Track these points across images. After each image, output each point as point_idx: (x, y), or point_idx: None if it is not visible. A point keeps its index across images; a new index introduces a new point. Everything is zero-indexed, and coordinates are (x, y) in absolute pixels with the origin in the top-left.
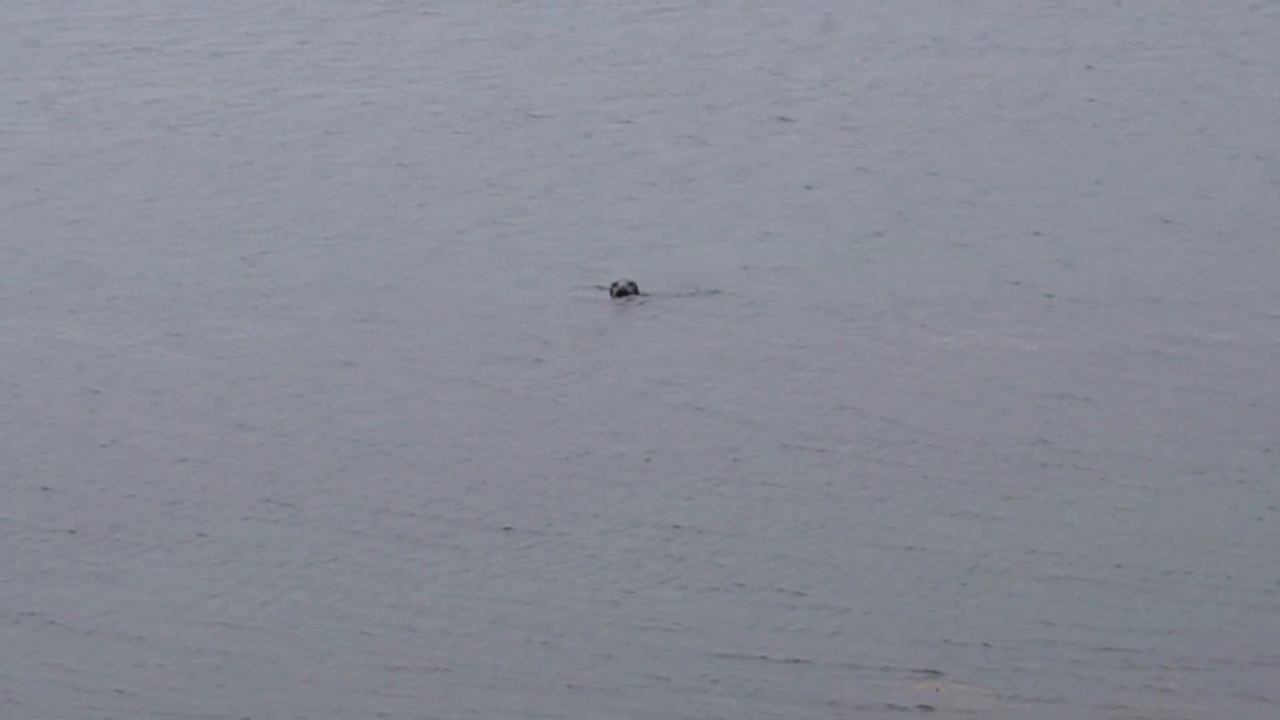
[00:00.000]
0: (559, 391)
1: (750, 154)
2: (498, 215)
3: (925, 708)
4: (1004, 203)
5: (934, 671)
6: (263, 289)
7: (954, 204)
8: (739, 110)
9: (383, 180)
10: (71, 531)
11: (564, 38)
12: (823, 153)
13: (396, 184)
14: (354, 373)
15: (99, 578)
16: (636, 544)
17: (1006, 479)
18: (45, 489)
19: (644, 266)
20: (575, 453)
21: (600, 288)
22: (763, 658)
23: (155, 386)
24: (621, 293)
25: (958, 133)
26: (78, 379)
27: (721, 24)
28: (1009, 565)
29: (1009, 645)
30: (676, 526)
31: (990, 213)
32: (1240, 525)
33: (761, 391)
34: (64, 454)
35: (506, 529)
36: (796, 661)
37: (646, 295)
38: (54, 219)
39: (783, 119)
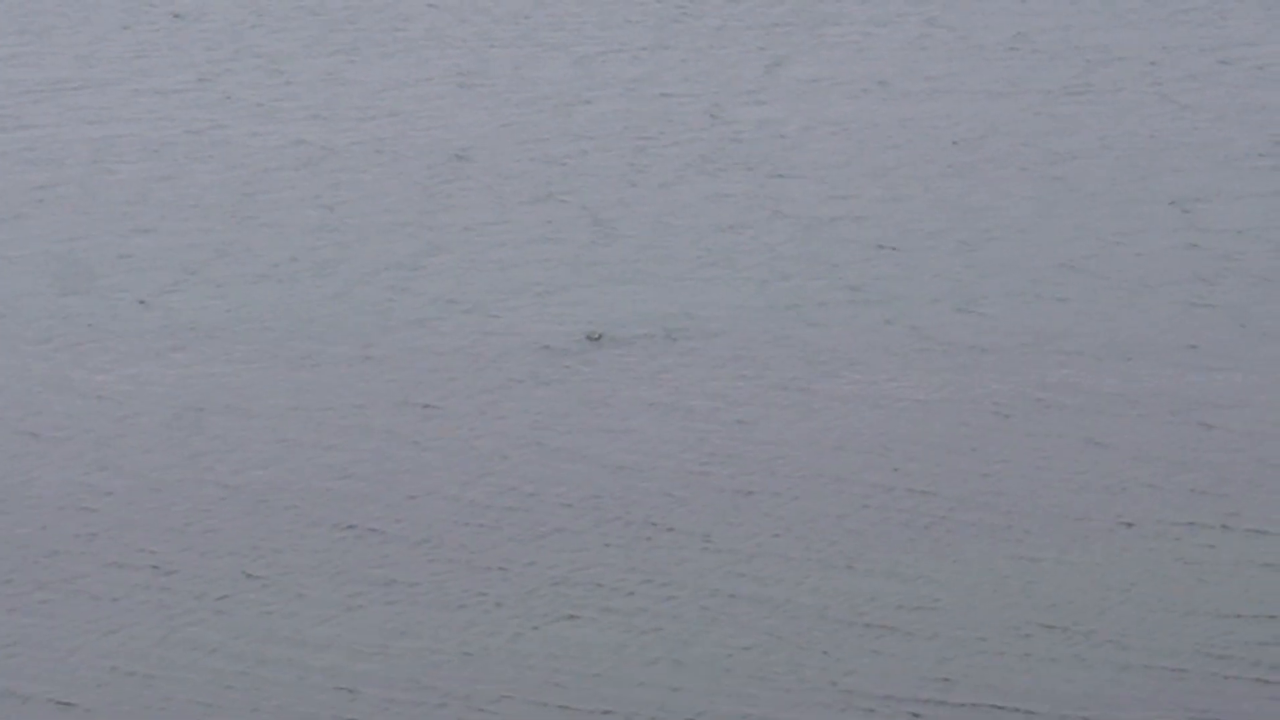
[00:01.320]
0: (458, 440)
1: (674, 197)
2: (412, 258)
3: None
4: (918, 246)
5: None
6: (159, 330)
7: (867, 249)
8: (672, 152)
9: (305, 221)
10: None
11: (514, 79)
12: (747, 196)
13: (318, 225)
14: (244, 418)
15: None
16: (525, 595)
17: (907, 531)
18: None
19: (550, 312)
20: (468, 504)
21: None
22: (660, 713)
23: (31, 429)
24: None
25: (884, 176)
26: None
27: (674, 66)
28: (908, 619)
29: (905, 700)
30: (565, 580)
31: (903, 257)
32: (1149, 581)
33: (653, 439)
34: None
35: (391, 581)
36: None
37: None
38: None
39: (713, 162)
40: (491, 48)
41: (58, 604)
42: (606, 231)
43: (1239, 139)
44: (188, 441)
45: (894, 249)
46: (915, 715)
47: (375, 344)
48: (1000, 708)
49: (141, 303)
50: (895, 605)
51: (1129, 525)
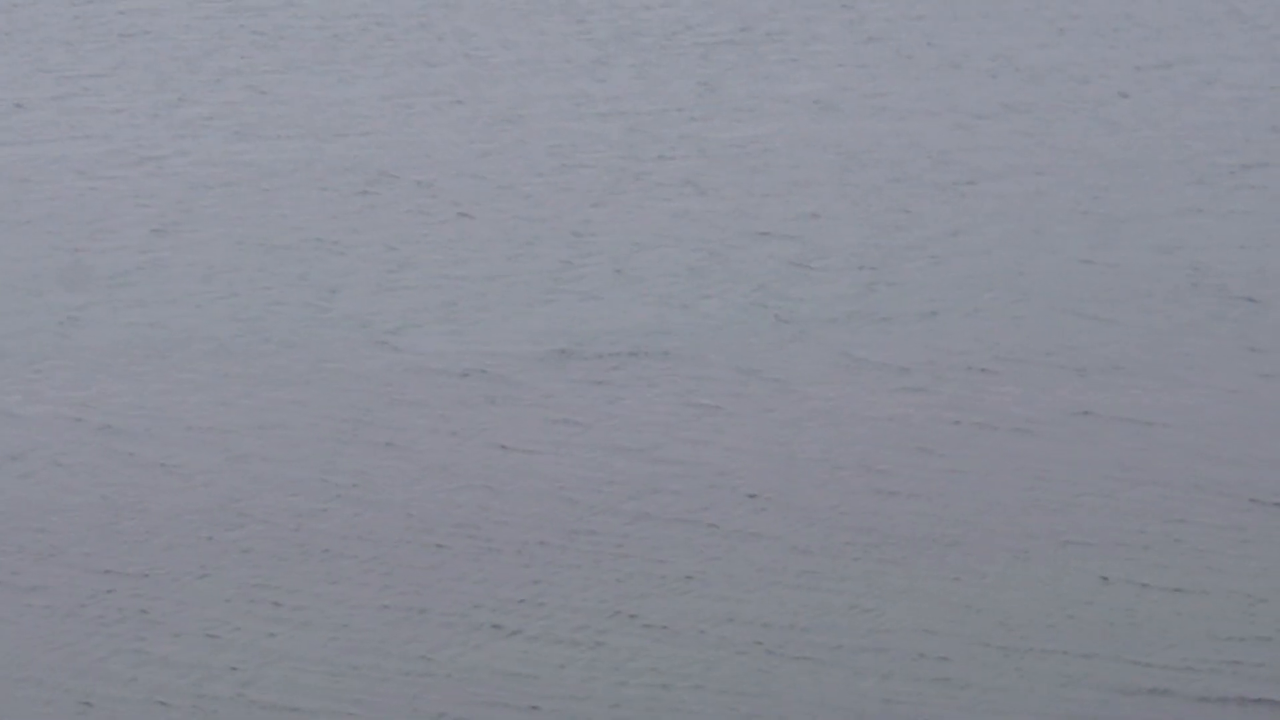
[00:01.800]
0: (374, 463)
1: (599, 215)
2: (333, 277)
3: None
4: (843, 265)
5: None
6: (78, 349)
7: (792, 267)
8: (601, 170)
9: (231, 239)
10: None
11: (450, 97)
12: (673, 214)
13: (246, 243)
14: (160, 440)
15: None
16: (430, 620)
17: (843, 550)
18: None
19: (469, 331)
20: (390, 526)
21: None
22: None
23: None
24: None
25: (813, 195)
26: None
27: (613, 84)
28: (848, 640)
29: None
30: (471, 603)
31: (829, 276)
32: (1077, 600)
33: (574, 461)
34: None
35: (301, 606)
36: None
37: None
38: None
39: (640, 180)
40: (430, 66)
41: None
42: (530, 251)
43: (1167, 157)
44: (104, 463)
45: (819, 268)
46: None
47: (295, 364)
48: None
49: (62, 322)
50: (835, 626)
51: (1070, 544)
